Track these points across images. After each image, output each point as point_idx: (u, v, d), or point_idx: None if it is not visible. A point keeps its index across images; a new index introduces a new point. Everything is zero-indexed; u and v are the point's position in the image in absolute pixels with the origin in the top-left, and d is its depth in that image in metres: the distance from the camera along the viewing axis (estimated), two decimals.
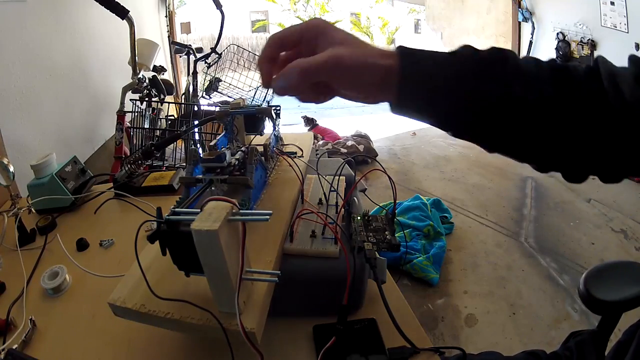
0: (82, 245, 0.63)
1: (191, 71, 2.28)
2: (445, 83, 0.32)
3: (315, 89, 0.36)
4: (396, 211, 0.59)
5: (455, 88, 0.32)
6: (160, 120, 1.73)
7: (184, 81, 2.90)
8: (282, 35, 0.35)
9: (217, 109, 1.49)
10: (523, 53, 3.72)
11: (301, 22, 0.35)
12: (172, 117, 1.69)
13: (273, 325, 0.39)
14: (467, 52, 0.33)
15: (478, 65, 0.33)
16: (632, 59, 0.32)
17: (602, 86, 0.31)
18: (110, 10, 1.28)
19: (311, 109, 4.73)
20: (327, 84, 0.34)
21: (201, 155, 0.47)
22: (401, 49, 0.33)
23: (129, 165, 0.69)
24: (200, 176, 0.45)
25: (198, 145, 1.45)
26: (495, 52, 0.33)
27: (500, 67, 0.33)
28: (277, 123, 0.62)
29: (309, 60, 0.32)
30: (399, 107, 0.34)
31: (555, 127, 0.32)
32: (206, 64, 2.27)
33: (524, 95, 0.32)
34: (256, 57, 2.12)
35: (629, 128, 0.30)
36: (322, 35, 0.33)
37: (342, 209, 0.51)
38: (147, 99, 1.61)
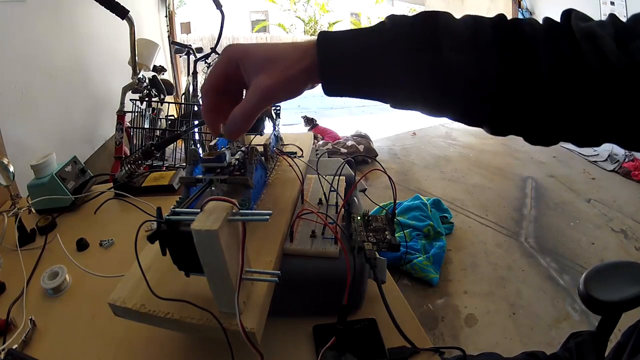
0: (82, 245, 0.63)
1: (191, 71, 2.29)
2: (367, 66, 0.32)
3: None
4: (396, 211, 0.59)
5: (378, 68, 0.32)
6: (160, 120, 1.73)
7: (184, 81, 2.90)
8: (211, 84, 0.36)
9: None
10: None
11: (220, 56, 0.37)
12: (172, 117, 1.69)
13: (273, 325, 0.39)
14: (388, 25, 0.32)
15: (400, 35, 0.31)
16: (611, 18, 0.30)
17: (575, 45, 0.29)
18: (110, 10, 1.28)
19: (311, 109, 4.73)
20: None
21: (201, 155, 0.47)
22: (320, 40, 0.33)
23: (129, 165, 0.70)
24: (200, 176, 0.45)
25: (198, 145, 1.45)
26: (422, 16, 0.32)
27: (427, 31, 0.31)
28: (277, 123, 0.62)
29: (244, 107, 0.34)
30: (330, 94, 0.35)
31: (502, 92, 0.30)
32: (206, 64, 2.28)
33: (457, 59, 0.30)
34: None
35: (614, 92, 0.28)
36: (242, 63, 0.34)
37: (342, 209, 0.51)
38: (147, 99, 1.61)
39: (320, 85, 0.35)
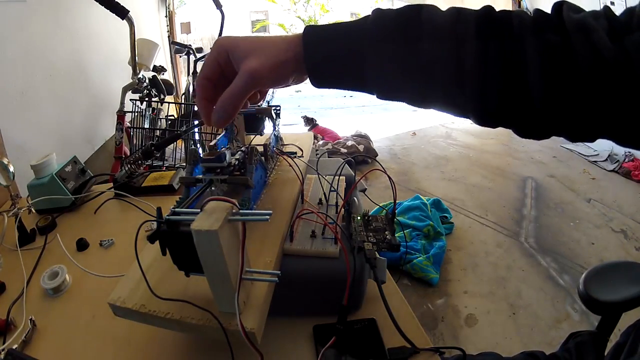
0: (82, 245, 0.63)
1: (191, 71, 2.28)
2: (350, 60, 0.33)
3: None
4: (396, 211, 0.59)
5: (360, 61, 0.33)
6: (160, 120, 1.73)
7: (184, 81, 2.90)
8: (205, 74, 0.38)
9: None
10: None
11: (211, 48, 0.38)
12: (172, 117, 1.69)
13: (273, 325, 0.39)
14: (371, 18, 0.33)
15: (382, 28, 0.32)
16: (605, 10, 0.30)
17: (565, 37, 0.29)
18: (110, 10, 1.28)
19: (311, 109, 4.73)
20: None
21: (201, 155, 0.47)
22: (305, 34, 0.34)
23: (129, 165, 0.69)
24: (200, 176, 0.45)
25: (198, 145, 1.45)
26: (406, 8, 0.32)
27: (409, 22, 0.32)
28: (277, 123, 0.62)
29: (231, 89, 0.35)
30: (317, 84, 0.36)
31: (484, 82, 0.30)
32: None
33: (435, 48, 0.31)
34: None
35: (606, 86, 0.28)
36: (231, 52, 0.36)
37: (342, 209, 0.51)
38: (147, 99, 1.61)
39: (303, 82, 0.37)
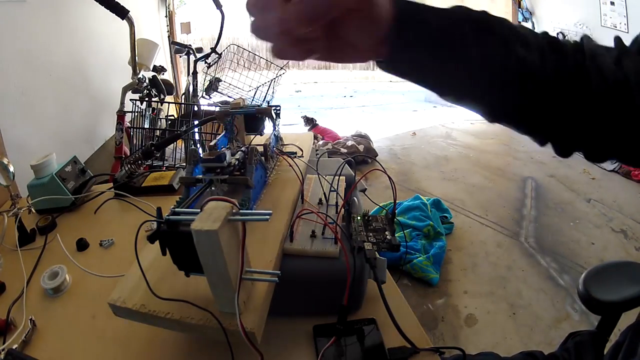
0: (82, 245, 0.63)
1: (191, 71, 2.28)
2: (442, 32, 0.30)
3: (301, 42, 0.28)
4: (396, 211, 0.59)
5: (453, 39, 0.31)
6: (160, 120, 1.73)
7: (184, 81, 2.90)
8: None
9: (217, 109, 1.49)
10: None
11: None
12: (172, 117, 1.69)
13: (273, 325, 0.39)
14: (462, 9, 0.33)
15: (476, 20, 0.32)
16: (616, 40, 0.33)
17: (583, 62, 0.32)
18: (110, 10, 1.28)
19: (311, 109, 4.73)
20: (320, 35, 0.29)
21: (201, 155, 0.47)
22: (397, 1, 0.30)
23: (129, 165, 0.69)
24: (200, 176, 0.45)
25: (198, 145, 1.45)
26: (487, 13, 0.33)
27: (498, 25, 0.32)
28: (277, 123, 0.62)
29: None
30: (392, 60, 0.31)
31: (551, 92, 0.32)
32: (206, 64, 2.27)
33: (525, 56, 0.32)
34: (256, 57, 2.11)
35: (609, 110, 0.31)
36: None
37: (342, 209, 0.51)
38: (147, 99, 1.61)
39: (362, 60, 0.33)
